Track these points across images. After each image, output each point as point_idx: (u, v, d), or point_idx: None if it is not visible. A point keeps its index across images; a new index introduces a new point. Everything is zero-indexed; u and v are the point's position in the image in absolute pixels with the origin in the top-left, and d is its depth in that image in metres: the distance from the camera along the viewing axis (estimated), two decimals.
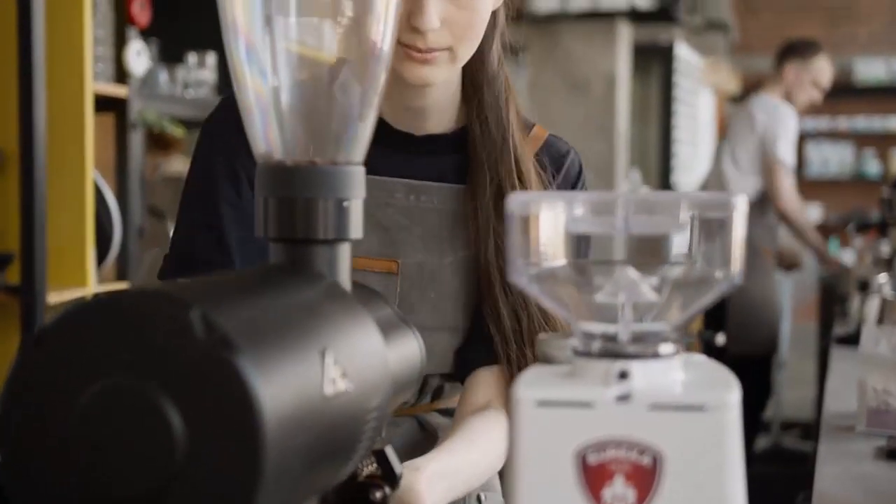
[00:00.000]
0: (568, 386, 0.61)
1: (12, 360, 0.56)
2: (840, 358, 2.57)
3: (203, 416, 0.53)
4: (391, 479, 0.76)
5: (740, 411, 0.61)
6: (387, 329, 0.74)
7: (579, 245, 0.66)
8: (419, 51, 1.17)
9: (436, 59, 1.18)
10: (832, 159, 9.52)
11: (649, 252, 0.65)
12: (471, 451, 1.19)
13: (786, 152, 4.24)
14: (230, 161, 1.22)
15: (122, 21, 2.84)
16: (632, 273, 0.63)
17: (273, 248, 0.72)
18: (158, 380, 0.54)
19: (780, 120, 4.28)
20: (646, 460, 0.59)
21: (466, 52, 1.21)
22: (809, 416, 5.01)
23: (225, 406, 0.53)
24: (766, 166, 4.26)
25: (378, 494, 0.74)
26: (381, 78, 0.74)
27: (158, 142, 3.80)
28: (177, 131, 3.06)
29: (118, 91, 2.81)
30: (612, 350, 0.62)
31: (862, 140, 9.48)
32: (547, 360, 0.68)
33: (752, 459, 4.75)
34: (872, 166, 9.40)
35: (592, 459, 0.60)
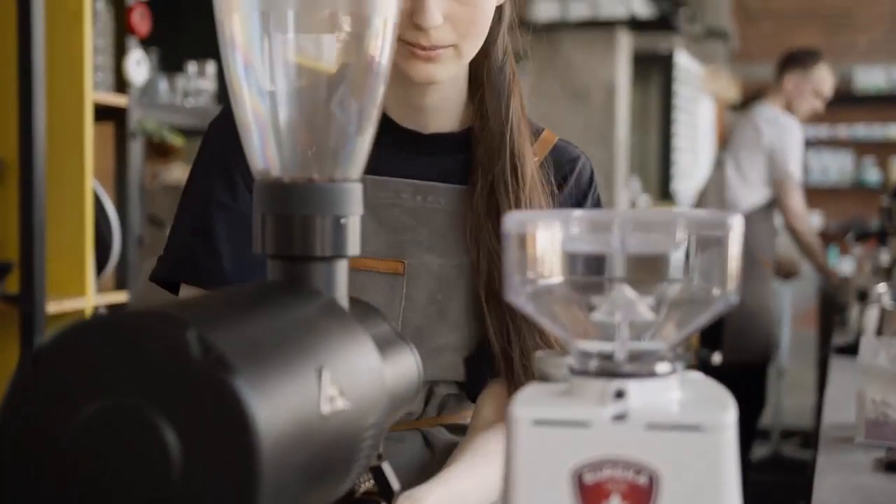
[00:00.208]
0: (564, 405, 0.61)
1: (11, 378, 0.57)
2: (839, 368, 2.57)
3: (200, 436, 0.53)
4: (388, 495, 0.76)
5: (737, 430, 0.61)
6: (384, 345, 0.74)
7: (575, 263, 0.66)
8: (423, 48, 1.16)
9: (440, 57, 1.17)
10: (832, 167, 9.53)
11: (646, 270, 0.65)
12: (474, 475, 1.18)
13: (794, 168, 4.26)
14: (227, 167, 1.22)
15: (122, 30, 2.84)
16: (628, 292, 0.63)
17: (271, 265, 0.72)
18: (155, 399, 0.54)
19: (788, 134, 4.29)
20: (642, 480, 0.59)
21: (471, 49, 1.20)
22: (809, 425, 5.00)
23: (221, 426, 0.53)
24: (777, 183, 4.27)
25: None
26: (380, 92, 0.74)
27: (158, 150, 3.81)
28: (176, 140, 3.06)
29: (118, 100, 2.82)
30: (608, 369, 0.62)
31: (862, 148, 9.49)
32: (544, 377, 0.68)
33: (748, 467, 4.75)
34: (872, 174, 9.41)
35: (589, 479, 0.60)
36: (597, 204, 1.34)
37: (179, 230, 1.25)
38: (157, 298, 1.29)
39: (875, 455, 1.63)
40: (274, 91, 0.71)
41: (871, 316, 2.60)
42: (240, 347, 0.56)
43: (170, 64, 3.24)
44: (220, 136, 1.25)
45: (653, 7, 5.97)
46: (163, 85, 3.15)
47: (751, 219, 4.29)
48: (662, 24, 6.06)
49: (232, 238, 1.20)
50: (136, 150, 2.88)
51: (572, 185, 1.31)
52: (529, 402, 0.62)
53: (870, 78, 9.27)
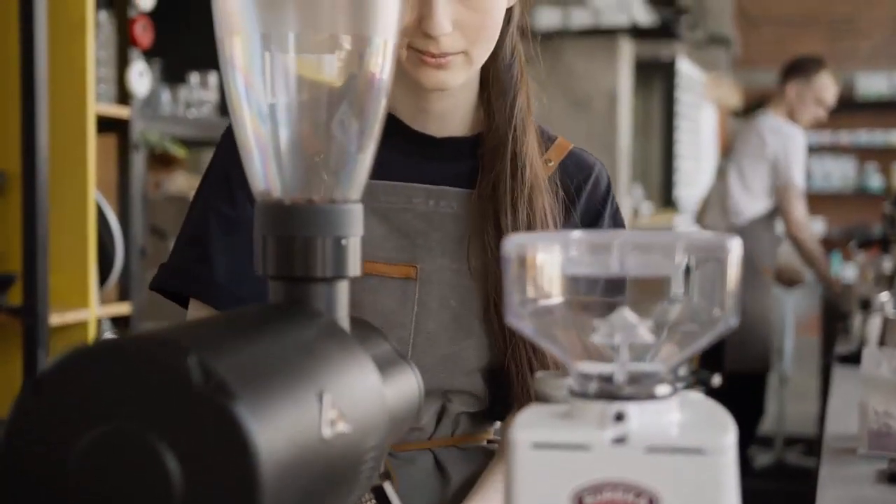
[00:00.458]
0: (564, 428, 0.62)
1: (13, 403, 0.57)
2: (842, 377, 2.57)
3: (201, 463, 0.53)
4: None
5: (737, 451, 0.61)
6: (384, 365, 0.74)
7: (575, 285, 0.66)
8: (433, 56, 1.15)
9: (450, 63, 1.16)
10: (834, 173, 9.53)
11: (646, 292, 0.66)
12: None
13: (797, 177, 4.26)
14: (228, 178, 1.22)
15: (124, 42, 2.85)
16: (628, 314, 0.63)
17: (272, 286, 0.72)
18: (157, 425, 0.54)
19: (792, 142, 4.30)
20: (642, 503, 0.59)
21: (482, 54, 1.19)
22: (813, 432, 5.00)
23: (222, 453, 0.53)
24: (779, 190, 4.27)
25: None
26: (381, 111, 0.74)
27: (161, 159, 3.81)
28: (179, 152, 3.07)
29: (120, 112, 2.82)
30: (608, 391, 0.62)
31: (864, 154, 9.50)
32: (544, 398, 0.69)
33: (750, 475, 4.75)
34: (875, 180, 9.41)
35: (589, 501, 0.60)
36: (615, 213, 1.32)
37: (180, 240, 1.27)
38: (160, 309, 1.30)
39: (878, 466, 1.62)
40: (275, 112, 0.72)
41: (874, 325, 2.60)
42: (240, 372, 0.56)
43: (172, 75, 3.25)
44: (224, 148, 1.25)
45: (654, 15, 5.97)
46: (165, 96, 3.16)
47: (753, 228, 4.29)
48: (664, 31, 6.06)
49: (228, 249, 1.21)
50: (138, 161, 2.88)
51: (588, 194, 1.30)
52: (529, 425, 0.62)
53: (872, 84, 9.28)
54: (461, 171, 1.26)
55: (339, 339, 0.69)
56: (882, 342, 2.51)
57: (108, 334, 2.91)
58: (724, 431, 0.61)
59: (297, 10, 0.71)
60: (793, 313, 5.54)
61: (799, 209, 4.27)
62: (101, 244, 2.72)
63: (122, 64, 2.84)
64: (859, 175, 9.50)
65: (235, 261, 1.20)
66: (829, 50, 9.19)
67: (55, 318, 2.55)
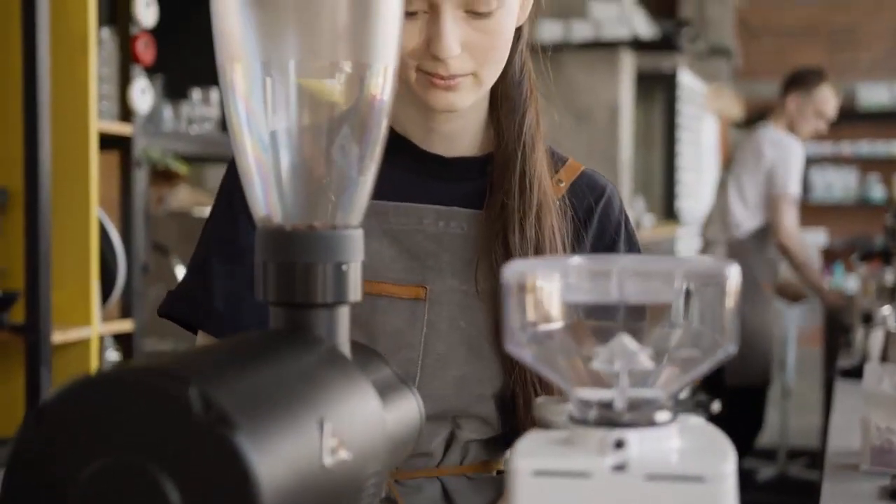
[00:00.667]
0: (564, 455, 0.62)
1: (15, 434, 0.57)
2: (844, 391, 2.57)
3: (202, 493, 0.54)
4: None
5: (736, 479, 0.61)
6: (385, 390, 0.74)
7: (575, 311, 0.66)
8: (442, 78, 1.14)
9: (459, 85, 1.15)
10: (836, 184, 9.54)
11: (645, 318, 0.66)
12: None
13: (793, 186, 4.25)
14: (232, 202, 1.23)
15: (126, 59, 2.85)
16: (627, 341, 0.63)
17: (273, 312, 0.72)
18: (158, 456, 0.54)
19: (790, 153, 4.29)
20: None
21: (492, 75, 1.18)
22: (816, 445, 4.99)
23: (224, 483, 0.53)
24: (773, 198, 4.26)
25: None
26: (382, 130, 0.75)
27: (164, 172, 3.82)
28: (181, 168, 3.07)
29: (123, 129, 2.83)
30: (608, 418, 0.63)
31: (866, 165, 9.50)
32: (544, 424, 0.69)
33: (752, 489, 4.74)
34: (877, 191, 9.42)
35: None
36: (630, 239, 1.30)
37: (188, 266, 1.28)
38: (162, 326, 1.31)
39: (880, 483, 1.62)
40: (275, 138, 0.72)
41: (876, 339, 2.60)
42: (241, 403, 0.56)
43: (174, 91, 3.26)
44: (229, 175, 1.26)
45: (655, 27, 5.99)
46: (167, 112, 3.17)
47: (752, 241, 4.29)
48: (665, 44, 6.07)
49: (229, 276, 1.21)
50: (140, 178, 2.89)
51: (600, 217, 1.28)
52: (530, 453, 0.62)
53: (873, 95, 9.29)
54: (471, 192, 1.25)
55: (339, 365, 0.70)
56: (884, 356, 2.51)
57: (111, 351, 2.91)
58: (723, 459, 0.61)
59: (297, 37, 0.72)
60: (795, 325, 5.54)
61: (789, 218, 4.24)
62: (104, 261, 2.72)
63: (125, 81, 2.85)
64: (861, 186, 9.51)
65: (236, 288, 1.20)
66: (829, 60, 9.20)
67: (58, 336, 2.55)
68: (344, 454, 0.63)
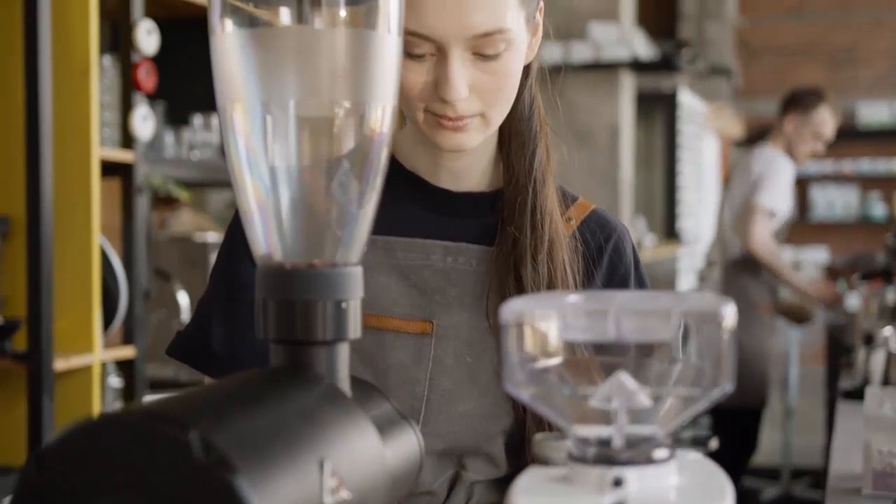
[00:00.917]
0: (563, 494, 0.62)
1: (17, 478, 0.57)
2: (846, 413, 2.56)
3: None
4: None
5: None
6: (385, 426, 0.74)
7: (573, 349, 0.66)
8: (450, 119, 1.14)
9: (467, 126, 1.15)
10: (837, 202, 9.56)
11: (643, 355, 0.66)
12: None
13: (768, 199, 4.21)
14: (236, 245, 1.24)
15: (128, 86, 2.87)
16: (625, 379, 0.64)
17: (273, 350, 0.73)
18: (159, 500, 0.55)
19: (773, 169, 4.28)
20: None
21: (499, 116, 1.18)
22: (820, 464, 4.98)
23: None
24: (746, 209, 4.25)
25: None
26: (381, 167, 0.75)
27: (166, 196, 3.83)
28: (182, 195, 3.08)
29: (124, 156, 2.84)
30: (606, 456, 0.63)
31: (867, 183, 9.52)
32: (543, 461, 0.69)
33: None
34: (878, 209, 9.43)
35: None
36: (641, 279, 1.30)
37: (194, 307, 1.32)
38: (163, 353, 1.34)
39: None
40: (275, 177, 0.73)
41: (878, 361, 2.60)
42: (241, 445, 0.57)
43: (175, 117, 3.27)
44: (236, 217, 1.26)
45: (655, 48, 6.01)
46: (169, 138, 3.18)
47: (747, 261, 4.28)
48: (664, 65, 6.09)
49: (228, 317, 1.23)
50: (142, 204, 2.90)
51: (611, 256, 1.27)
52: (528, 490, 0.63)
53: (873, 113, 9.31)
54: (480, 228, 1.25)
55: (339, 403, 0.70)
56: (886, 378, 2.51)
57: (113, 377, 2.91)
58: (721, 496, 0.61)
59: (297, 78, 0.72)
60: (798, 343, 5.53)
61: (759, 227, 4.20)
62: (106, 288, 2.73)
63: (126, 108, 2.86)
64: (862, 204, 9.52)
65: (236, 328, 1.21)
66: (829, 79, 9.24)
67: (60, 363, 2.55)
68: (344, 494, 0.63)
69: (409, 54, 1.11)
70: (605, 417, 0.64)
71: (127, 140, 2.86)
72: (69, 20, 2.66)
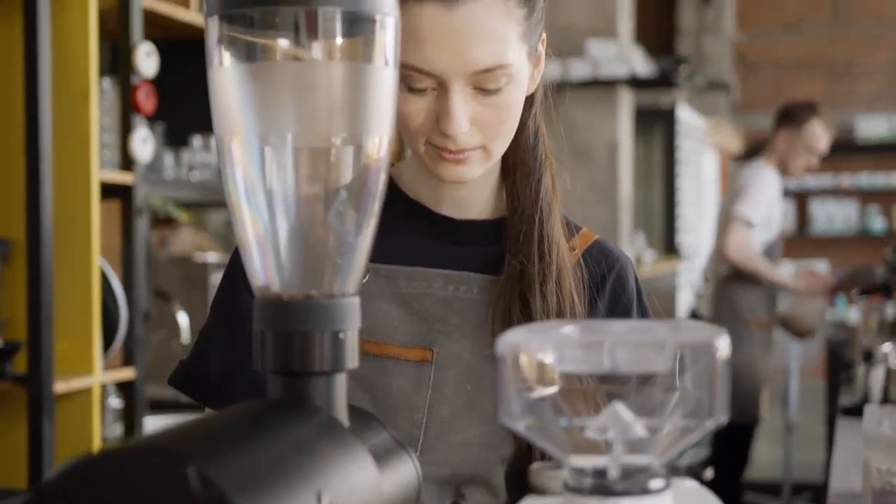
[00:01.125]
0: None
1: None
2: (846, 429, 2.57)
3: None
4: None
5: None
6: (382, 455, 0.75)
7: (569, 381, 0.67)
8: (451, 152, 1.14)
9: (469, 159, 1.15)
10: (836, 216, 9.56)
11: (638, 386, 0.67)
12: None
13: (744, 209, 4.21)
14: (235, 277, 1.25)
15: (127, 108, 2.87)
16: (621, 410, 0.64)
17: (271, 380, 0.73)
18: None
19: (755, 181, 4.27)
20: None
21: (500, 148, 1.18)
22: (820, 479, 4.97)
23: None
24: (726, 217, 4.26)
25: None
26: (378, 197, 0.76)
27: (165, 218, 3.83)
28: (182, 216, 3.09)
29: (124, 178, 2.84)
30: (602, 487, 0.63)
31: (866, 197, 9.52)
32: (540, 490, 0.70)
33: None
34: (877, 223, 9.44)
35: None
36: (644, 310, 1.30)
37: (195, 340, 1.32)
38: (164, 373, 1.35)
39: None
40: (272, 208, 0.73)
41: (877, 377, 2.60)
42: (239, 479, 0.57)
43: (175, 138, 3.28)
44: (236, 252, 1.27)
45: (653, 65, 6.02)
46: (168, 159, 3.19)
47: (739, 276, 4.27)
48: (663, 81, 6.10)
49: (226, 348, 1.24)
50: (141, 226, 2.90)
51: (614, 286, 1.27)
52: None
53: (871, 127, 9.33)
54: (483, 256, 1.25)
55: (336, 435, 0.70)
56: (886, 395, 2.51)
57: (113, 399, 2.91)
58: None
59: (294, 111, 0.73)
60: (798, 358, 5.53)
61: (735, 236, 4.18)
62: (105, 309, 2.73)
63: (126, 130, 2.87)
64: (861, 218, 9.53)
65: (234, 360, 1.22)
66: (828, 93, 9.25)
67: (60, 386, 2.55)
68: None
69: (410, 88, 1.11)
70: (602, 447, 0.65)
71: (126, 162, 2.86)
72: (69, 43, 2.67)
